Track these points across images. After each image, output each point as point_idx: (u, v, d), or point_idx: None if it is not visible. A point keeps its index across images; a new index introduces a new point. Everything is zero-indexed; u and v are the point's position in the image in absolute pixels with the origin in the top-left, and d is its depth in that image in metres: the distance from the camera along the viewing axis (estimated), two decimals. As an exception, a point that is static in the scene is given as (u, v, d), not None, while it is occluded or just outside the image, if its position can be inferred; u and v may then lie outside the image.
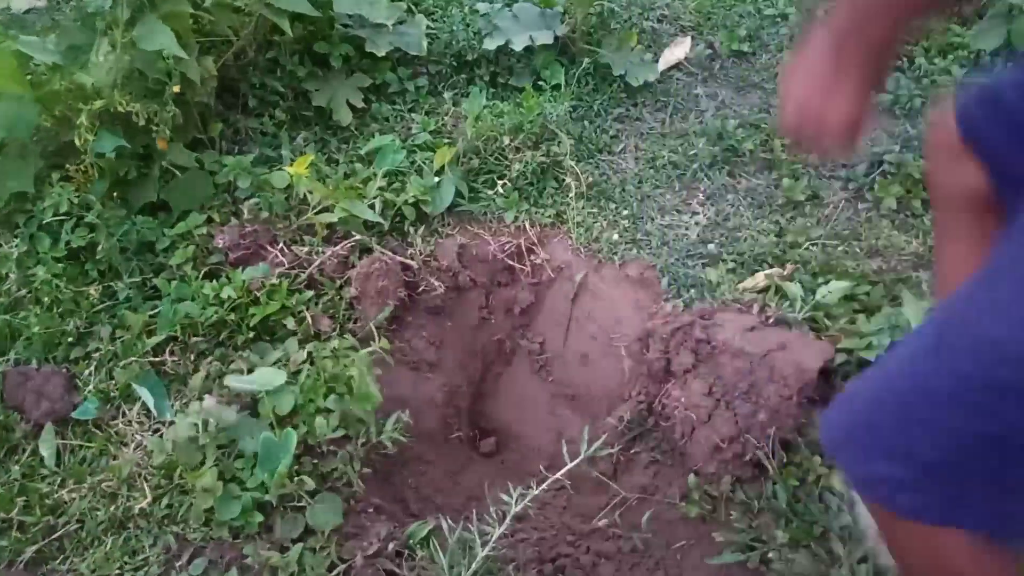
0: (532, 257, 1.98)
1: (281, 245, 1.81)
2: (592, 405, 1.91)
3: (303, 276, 1.79)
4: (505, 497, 1.34)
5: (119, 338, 1.70)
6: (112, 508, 1.48)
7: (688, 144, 2.14)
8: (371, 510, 1.49)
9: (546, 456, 1.90)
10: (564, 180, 2.06)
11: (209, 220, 1.87)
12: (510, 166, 2.05)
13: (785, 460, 1.46)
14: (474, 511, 1.40)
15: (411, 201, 1.93)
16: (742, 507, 1.46)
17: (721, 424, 1.49)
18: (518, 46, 2.21)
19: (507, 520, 1.31)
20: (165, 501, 1.48)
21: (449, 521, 1.34)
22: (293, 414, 1.55)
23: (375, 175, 1.95)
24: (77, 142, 1.74)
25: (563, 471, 1.35)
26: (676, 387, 1.60)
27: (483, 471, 1.86)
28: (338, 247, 1.82)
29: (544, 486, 1.35)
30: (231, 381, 1.48)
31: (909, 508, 0.86)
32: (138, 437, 1.58)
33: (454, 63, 2.35)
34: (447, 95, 2.26)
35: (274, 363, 1.66)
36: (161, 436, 1.55)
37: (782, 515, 1.40)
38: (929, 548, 0.89)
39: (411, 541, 1.42)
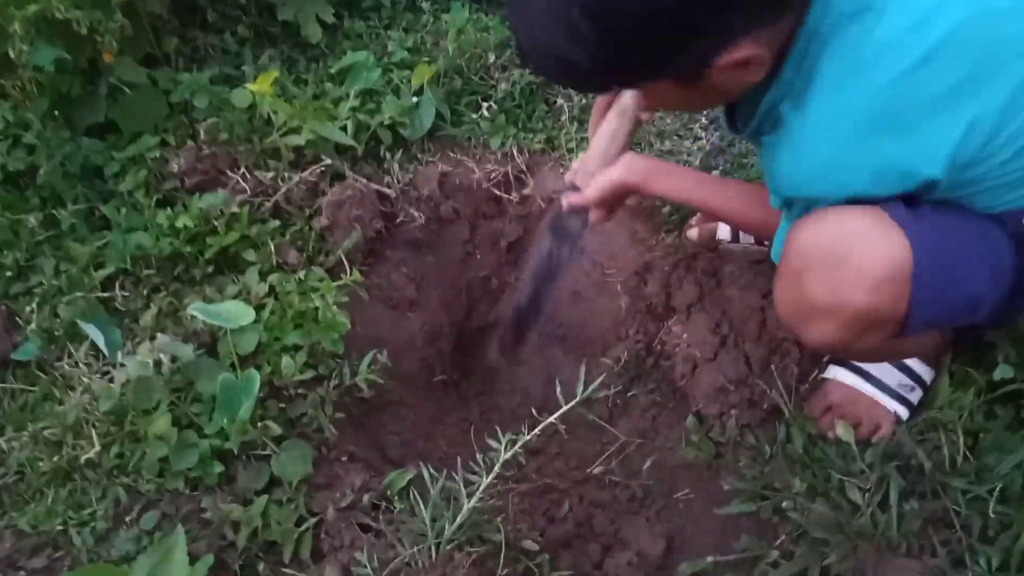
0: (520, 186, 1.82)
1: (243, 170, 1.64)
2: (585, 345, 1.77)
3: (268, 204, 1.62)
4: (493, 443, 1.20)
5: (64, 271, 1.54)
6: (56, 458, 1.33)
7: (689, 64, 1.97)
8: (345, 458, 1.35)
9: (536, 399, 1.77)
10: (556, 102, 1.89)
11: (163, 143, 1.69)
12: (496, 86, 1.88)
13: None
14: (459, 459, 1.26)
15: (387, 123, 1.75)
16: (751, 452, 1.33)
17: (728, 364, 1.36)
18: (504, -45, 2.02)
19: (495, 468, 1.18)
20: (114, 450, 1.33)
21: (431, 470, 1.21)
22: (256, 353, 1.40)
23: (347, 95, 1.77)
24: (11, 54, 1.55)
25: (557, 414, 1.21)
26: (677, 323, 1.46)
27: (468, 416, 1.72)
28: (306, 173, 1.65)
29: (537, 431, 1.21)
30: (194, 309, 1.32)
31: None
32: (85, 380, 1.42)
33: (434, -24, 2.15)
34: (426, 6, 2.07)
35: (234, 297, 1.50)
36: (111, 379, 1.41)
37: (797, 461, 1.28)
38: None
39: (389, 492, 1.29)
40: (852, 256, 0.96)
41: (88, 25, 1.56)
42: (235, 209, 1.56)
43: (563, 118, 1.86)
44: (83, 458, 1.32)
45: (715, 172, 1.76)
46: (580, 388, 1.23)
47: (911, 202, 0.98)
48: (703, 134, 1.84)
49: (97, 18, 1.58)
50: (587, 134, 1.82)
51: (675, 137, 1.85)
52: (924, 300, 0.96)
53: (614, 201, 1.35)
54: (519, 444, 1.19)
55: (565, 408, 1.22)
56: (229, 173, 1.63)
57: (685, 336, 1.42)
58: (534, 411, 1.25)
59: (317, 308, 1.43)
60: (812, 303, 1.00)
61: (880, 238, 0.95)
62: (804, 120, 0.94)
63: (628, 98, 1.36)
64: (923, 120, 0.89)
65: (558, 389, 1.23)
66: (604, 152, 1.35)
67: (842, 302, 0.97)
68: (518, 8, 0.86)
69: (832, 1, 0.90)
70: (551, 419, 1.21)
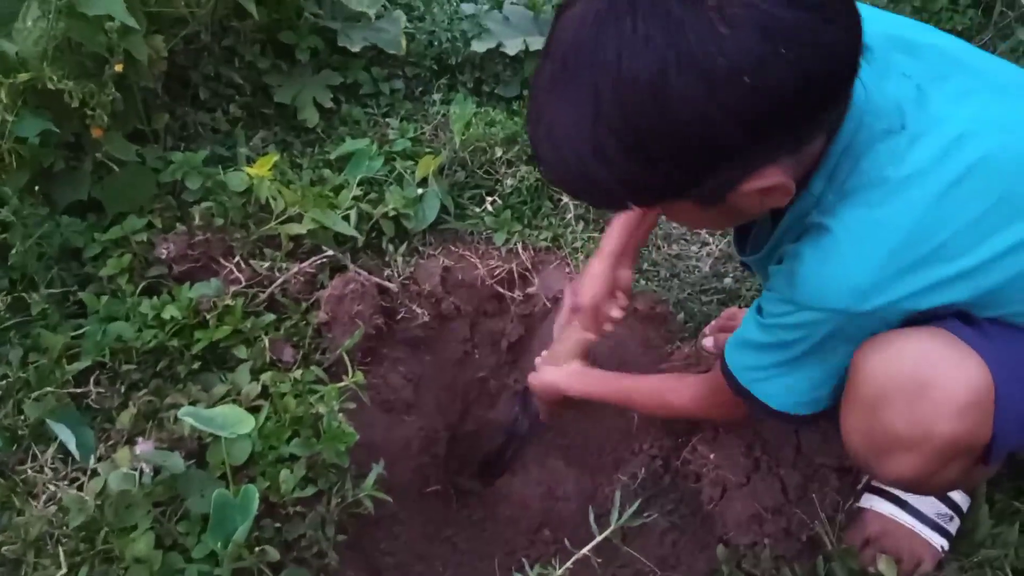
0: (524, 285, 1.75)
1: (238, 259, 1.53)
2: (589, 458, 1.67)
3: (263, 296, 1.51)
4: (521, 577, 1.09)
5: (33, 363, 1.39)
6: (13, 580, 1.17)
7: (693, 168, 1.94)
8: (346, 587, 1.22)
9: (534, 514, 1.66)
10: (561, 200, 1.84)
11: (150, 225, 1.57)
12: (501, 181, 1.82)
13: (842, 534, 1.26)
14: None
15: (391, 214, 1.67)
16: (788, 588, 1.24)
17: (763, 491, 1.28)
18: (511, 51, 1.99)
19: (525, 609, 1.06)
20: (84, 572, 1.16)
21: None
22: (249, 464, 1.27)
23: (348, 183, 1.69)
24: (-8, 123, 1.44)
25: (591, 546, 1.11)
26: (703, 442, 1.38)
27: (465, 532, 1.60)
28: (305, 264, 1.56)
29: (569, 564, 1.10)
30: (185, 414, 1.19)
31: None
32: (51, 487, 1.27)
33: (434, 66, 2.12)
34: (428, 99, 2.02)
35: (222, 398, 1.38)
36: (81, 487, 1.25)
37: (841, 600, 1.19)
38: None
39: (396, 629, 1.16)
40: (933, 382, 0.90)
41: (80, 98, 1.46)
42: (228, 301, 1.45)
43: (568, 216, 1.81)
44: (46, 582, 1.16)
45: (726, 280, 1.71)
46: (616, 514, 1.13)
47: (966, 319, 0.94)
48: (711, 239, 1.81)
49: (90, 91, 1.48)
50: (593, 234, 1.78)
51: (682, 241, 1.81)
52: (1009, 423, 0.91)
53: (551, 399, 1.47)
54: (551, 580, 1.08)
55: (599, 538, 1.12)
56: (223, 261, 1.52)
57: (713, 457, 1.34)
58: (567, 542, 1.13)
59: (317, 414, 1.31)
60: (892, 435, 0.93)
61: (957, 361, 0.90)
62: (837, 228, 0.90)
63: (577, 330, 1.44)
64: (954, 247, 0.87)
65: (591, 517, 1.13)
66: (556, 354, 1.46)
67: (926, 432, 0.91)
68: (540, 119, 0.82)
69: (866, 118, 0.88)
70: (585, 551, 1.11)
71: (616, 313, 1.41)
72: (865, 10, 0.82)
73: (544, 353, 1.50)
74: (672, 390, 1.27)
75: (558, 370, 1.43)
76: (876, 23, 0.95)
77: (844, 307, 0.91)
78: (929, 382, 0.90)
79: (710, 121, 0.72)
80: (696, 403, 1.22)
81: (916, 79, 0.91)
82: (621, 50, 0.72)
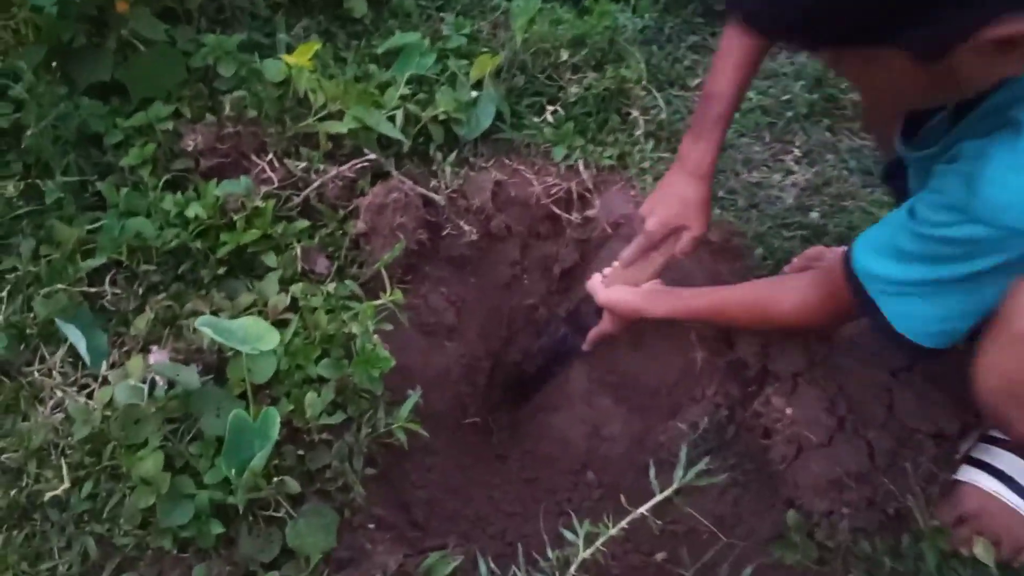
0: (584, 206, 1.58)
1: (271, 156, 1.38)
2: (642, 399, 1.52)
3: (296, 200, 1.37)
4: (568, 535, 0.96)
5: (44, 256, 1.28)
6: (13, 491, 1.07)
7: (780, 88, 1.74)
8: (372, 525, 1.10)
9: (577, 454, 1.53)
10: (630, 114, 1.65)
11: (177, 114, 1.43)
12: (565, 89, 1.64)
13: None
14: (520, 546, 1.02)
15: (441, 118, 1.51)
16: (866, 564, 1.10)
17: (846, 454, 1.12)
18: (583, -59, 1.78)
19: (571, 571, 0.93)
20: (87, 488, 1.07)
21: (491, 563, 0.96)
22: (272, 383, 1.14)
23: (395, 80, 1.53)
24: (6, -13, 1.29)
25: (651, 504, 0.97)
26: (779, 394, 1.23)
27: (503, 469, 1.48)
28: (344, 167, 1.40)
29: (624, 523, 0.97)
30: (203, 324, 1.06)
31: None
32: (59, 393, 1.16)
33: (496, -44, 1.91)
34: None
35: (247, 308, 1.25)
36: (91, 395, 1.15)
37: (926, 583, 1.05)
38: None
39: (428, 578, 1.04)
40: None
41: (103, -36, 1.31)
42: (259, 202, 1.31)
43: (637, 133, 1.63)
44: (48, 495, 1.06)
45: (812, 214, 1.53)
46: (680, 471, 0.99)
47: None
48: (796, 168, 1.62)
49: (114, -43, 1.33)
50: (664, 154, 1.60)
51: (764, 168, 1.62)
52: None
53: (624, 318, 1.36)
54: (601, 540, 0.95)
55: (659, 497, 0.98)
56: (254, 158, 1.37)
57: (790, 412, 1.18)
58: (624, 499, 0.99)
59: (350, 333, 1.18)
60: None
61: None
62: None
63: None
64: None
65: (652, 472, 0.99)
66: (635, 270, 1.35)
67: None
68: None
69: None
70: (642, 510, 0.97)
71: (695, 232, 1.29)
72: None
73: (607, 270, 1.38)
74: (774, 300, 1.13)
75: (635, 291, 1.32)
76: None
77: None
78: None
79: None
80: (804, 312, 1.08)
81: None
82: None
